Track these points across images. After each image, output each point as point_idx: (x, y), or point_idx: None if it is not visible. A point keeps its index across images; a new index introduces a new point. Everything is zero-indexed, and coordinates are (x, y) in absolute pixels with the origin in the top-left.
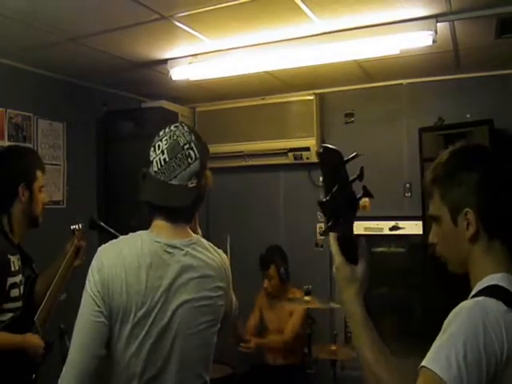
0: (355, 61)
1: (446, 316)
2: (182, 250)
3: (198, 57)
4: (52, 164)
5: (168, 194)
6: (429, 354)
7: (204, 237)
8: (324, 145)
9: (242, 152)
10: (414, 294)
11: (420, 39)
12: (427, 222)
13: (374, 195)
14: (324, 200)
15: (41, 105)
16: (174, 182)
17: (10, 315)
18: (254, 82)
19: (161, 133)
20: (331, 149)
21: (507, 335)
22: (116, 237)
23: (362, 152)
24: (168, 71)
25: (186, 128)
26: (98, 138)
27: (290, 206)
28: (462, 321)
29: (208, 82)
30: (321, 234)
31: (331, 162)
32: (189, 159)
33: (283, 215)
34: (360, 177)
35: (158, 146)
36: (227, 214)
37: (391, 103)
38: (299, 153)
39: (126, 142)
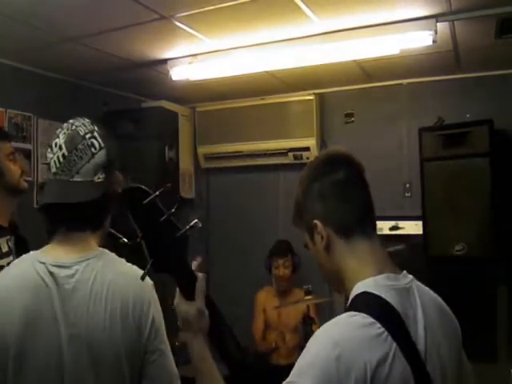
0: (355, 61)
1: None
2: (71, 268)
3: (198, 57)
4: None
5: (69, 192)
6: None
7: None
8: (127, 186)
9: (241, 152)
10: None
11: (420, 39)
12: (427, 221)
13: (197, 226)
14: (137, 241)
15: (41, 105)
16: (76, 178)
17: None
18: (254, 82)
19: (57, 130)
20: (133, 187)
21: (370, 354)
22: (116, 237)
23: (362, 152)
24: (168, 71)
25: (87, 119)
26: None
27: (289, 206)
28: (315, 349)
29: (208, 82)
30: (140, 278)
31: (135, 201)
32: (92, 149)
33: (283, 215)
34: (178, 208)
35: (55, 143)
36: (227, 214)
37: (391, 103)
38: (299, 153)
39: (125, 141)
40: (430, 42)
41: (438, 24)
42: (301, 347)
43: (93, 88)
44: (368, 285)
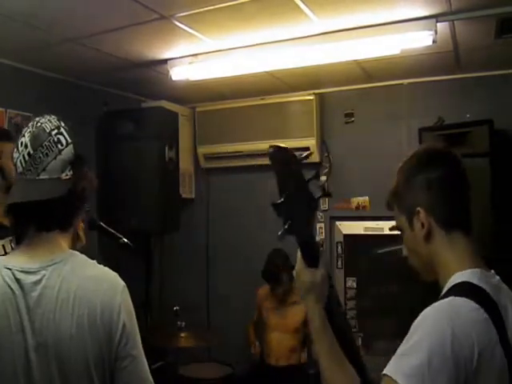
0: (355, 61)
1: None
2: (37, 274)
3: (198, 57)
4: None
5: (34, 190)
6: (392, 361)
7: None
8: (274, 144)
9: (241, 152)
10: (414, 294)
11: (420, 39)
12: None
13: (332, 195)
14: (278, 202)
15: (41, 105)
16: (42, 176)
17: None
18: (254, 82)
19: (24, 129)
20: (283, 148)
21: (478, 337)
22: (116, 237)
23: (362, 152)
24: (168, 71)
25: (53, 116)
26: (98, 138)
27: None
28: (427, 325)
29: (208, 82)
30: (278, 238)
31: (284, 162)
32: (59, 145)
33: None
34: (317, 176)
35: (21, 142)
36: (227, 214)
37: (391, 103)
38: (299, 153)
39: (125, 141)
40: (430, 42)
41: (438, 24)
42: (300, 348)
43: (93, 88)
44: (467, 276)
